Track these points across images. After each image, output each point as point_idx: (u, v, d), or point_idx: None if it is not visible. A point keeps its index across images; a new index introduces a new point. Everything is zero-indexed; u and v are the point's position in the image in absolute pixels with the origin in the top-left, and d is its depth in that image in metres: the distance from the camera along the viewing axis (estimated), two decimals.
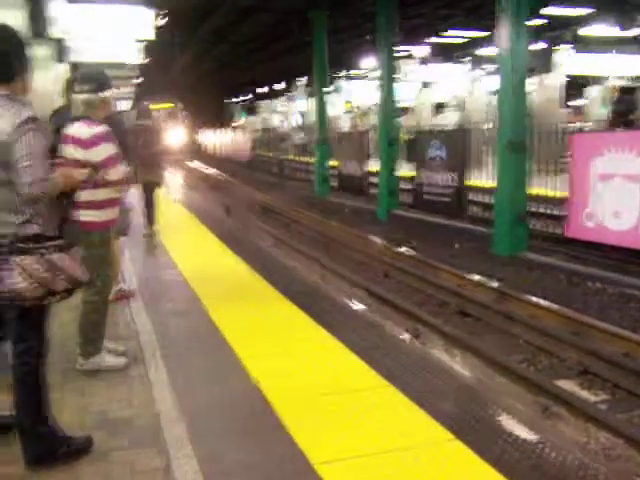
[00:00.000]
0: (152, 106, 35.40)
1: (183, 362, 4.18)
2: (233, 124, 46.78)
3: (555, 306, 6.94)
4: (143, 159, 8.23)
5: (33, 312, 2.86)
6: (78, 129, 3.81)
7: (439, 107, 30.75)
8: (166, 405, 3.50)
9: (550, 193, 10.54)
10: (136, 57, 12.10)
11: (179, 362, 4.17)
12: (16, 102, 2.81)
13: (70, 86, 4.08)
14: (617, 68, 20.01)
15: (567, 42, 19.30)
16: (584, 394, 5.20)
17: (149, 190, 8.79)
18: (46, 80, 8.04)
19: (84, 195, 3.72)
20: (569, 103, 35.96)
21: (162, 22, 14.10)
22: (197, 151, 43.42)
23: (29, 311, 2.84)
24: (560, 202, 9.86)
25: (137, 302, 5.63)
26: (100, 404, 3.57)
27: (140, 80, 24.24)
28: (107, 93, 3.97)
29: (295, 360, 4.15)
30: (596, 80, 22.57)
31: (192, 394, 3.68)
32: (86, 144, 3.78)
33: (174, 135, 36.12)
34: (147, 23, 9.98)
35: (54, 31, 9.39)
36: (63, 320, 4.48)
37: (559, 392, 5.06)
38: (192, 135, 45.03)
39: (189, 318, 5.13)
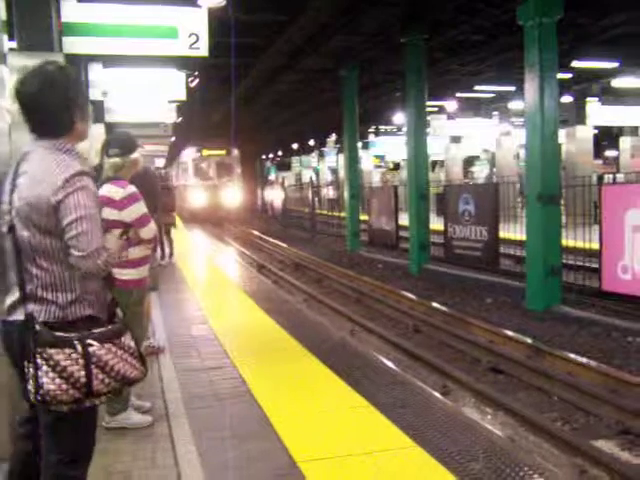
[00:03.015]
0: (204, 152, 27.93)
1: (209, 420, 4.15)
2: (269, 180, 47.14)
3: (592, 362, 6.75)
4: (164, 208, 10.66)
5: (72, 416, 2.29)
6: (111, 190, 3.92)
7: (469, 161, 30.94)
8: (189, 465, 3.46)
9: (584, 245, 10.40)
10: (169, 117, 12.50)
11: (205, 420, 4.13)
12: (65, 154, 2.31)
13: (104, 149, 4.24)
14: None
15: (595, 95, 19.35)
16: (624, 455, 4.99)
17: (165, 230, 11.66)
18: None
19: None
20: (606, 153, 35.97)
21: (194, 83, 14.56)
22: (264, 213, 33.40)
23: (68, 415, 2.28)
24: (593, 254, 9.71)
25: (165, 358, 5.64)
26: (124, 463, 3.55)
27: (174, 139, 24.82)
28: (133, 155, 4.11)
29: (322, 419, 4.09)
30: (630, 131, 22.52)
31: (216, 453, 3.64)
32: (119, 205, 3.88)
33: (228, 192, 27.81)
34: (179, 84, 10.33)
35: (92, 93, 9.79)
36: None
37: (597, 453, 4.86)
38: (255, 190, 36.83)
39: (217, 375, 5.11)
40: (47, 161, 2.27)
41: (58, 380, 2.16)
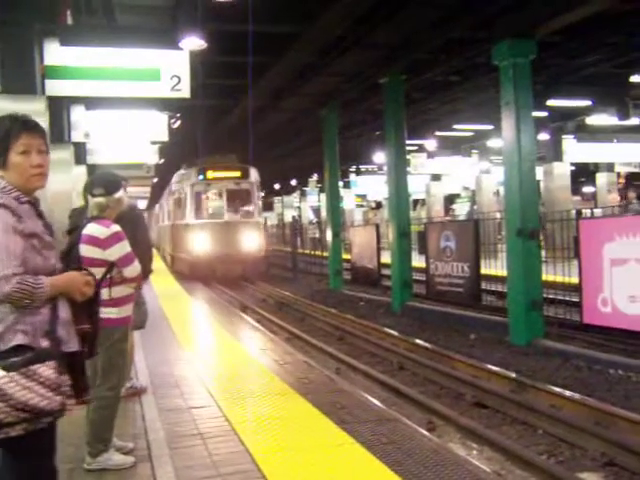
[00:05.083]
0: (209, 174, 19.30)
1: (192, 459, 4.10)
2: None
3: (576, 395, 6.77)
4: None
5: (8, 449, 2.36)
6: (95, 229, 3.94)
7: (450, 199, 31.33)
8: None
9: (564, 279, 10.51)
10: (152, 158, 12.59)
11: (188, 459, 4.08)
12: None
13: (86, 189, 4.28)
14: (619, 156, 20.42)
15: (570, 132, 19.79)
16: None
17: None
18: (65, 182, 8.36)
19: (103, 293, 3.82)
20: (584, 190, 36.62)
21: (176, 124, 14.72)
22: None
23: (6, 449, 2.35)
24: (574, 288, 9.81)
25: (148, 398, 5.58)
26: None
27: (156, 180, 24.83)
28: (117, 194, 4.15)
29: (307, 456, 4.06)
30: (606, 167, 22.94)
31: None
32: (103, 243, 3.91)
33: (245, 234, 19.73)
34: (161, 126, 10.44)
35: (74, 135, 9.85)
36: (72, 417, 4.42)
37: None
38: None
39: (201, 415, 5.06)
40: None
41: None
